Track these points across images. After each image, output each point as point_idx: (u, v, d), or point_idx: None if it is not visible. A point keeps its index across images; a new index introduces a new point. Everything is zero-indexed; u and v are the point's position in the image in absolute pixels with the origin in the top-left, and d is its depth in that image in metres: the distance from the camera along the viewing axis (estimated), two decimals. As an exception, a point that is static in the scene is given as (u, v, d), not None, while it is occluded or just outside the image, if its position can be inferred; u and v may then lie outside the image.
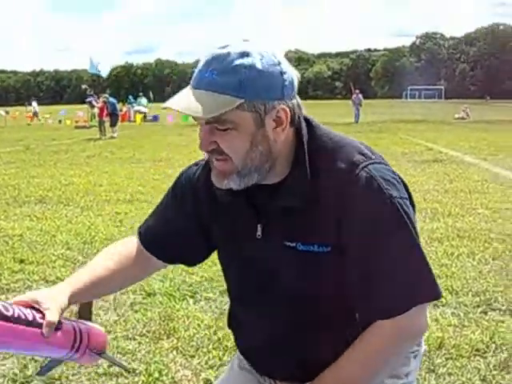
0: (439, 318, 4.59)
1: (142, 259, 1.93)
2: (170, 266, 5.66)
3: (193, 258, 2.02)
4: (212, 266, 5.49)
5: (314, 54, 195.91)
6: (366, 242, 1.57)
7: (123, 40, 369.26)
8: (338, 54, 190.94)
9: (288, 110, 1.56)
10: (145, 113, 40.68)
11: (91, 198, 10.38)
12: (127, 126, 33.22)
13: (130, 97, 44.79)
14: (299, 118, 1.63)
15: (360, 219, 1.57)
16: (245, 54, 1.49)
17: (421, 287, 1.61)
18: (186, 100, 1.51)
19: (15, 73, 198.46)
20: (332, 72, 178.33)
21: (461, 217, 8.27)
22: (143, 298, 5.16)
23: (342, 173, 1.59)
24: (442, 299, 4.93)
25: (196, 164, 1.94)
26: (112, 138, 25.64)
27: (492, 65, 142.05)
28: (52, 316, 1.50)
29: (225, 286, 5.06)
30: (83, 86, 39.60)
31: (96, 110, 30.75)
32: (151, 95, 45.60)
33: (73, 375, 3.82)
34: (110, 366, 3.83)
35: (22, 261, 6.40)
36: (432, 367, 3.84)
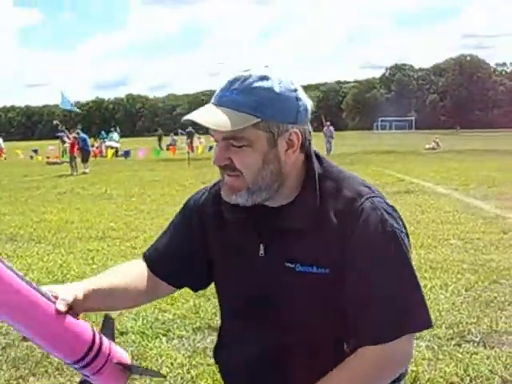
0: (413, 351, 4.58)
1: (151, 280, 1.94)
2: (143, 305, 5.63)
3: (196, 282, 2.04)
4: (185, 302, 5.46)
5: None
6: (364, 268, 1.63)
7: (94, 75, 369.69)
8: (308, 87, 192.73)
9: (300, 134, 1.67)
10: (116, 148, 40.62)
11: (63, 235, 10.28)
12: (99, 162, 33.12)
13: (103, 132, 44.76)
14: (309, 144, 1.73)
15: (361, 246, 1.64)
16: (265, 78, 1.62)
17: (413, 316, 1.65)
18: (207, 115, 1.62)
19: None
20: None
21: (433, 248, 8.31)
22: (116, 337, 5.09)
23: (347, 200, 1.69)
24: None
25: (205, 188, 2.04)
26: (84, 173, 25.50)
27: (461, 95, 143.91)
28: (65, 295, 1.51)
29: (198, 324, 5.01)
30: (54, 122, 39.42)
31: (67, 146, 30.61)
32: (118, 130, 45.51)
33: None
34: None
35: (-8, 301, 6.28)
36: (407, 402, 3.83)
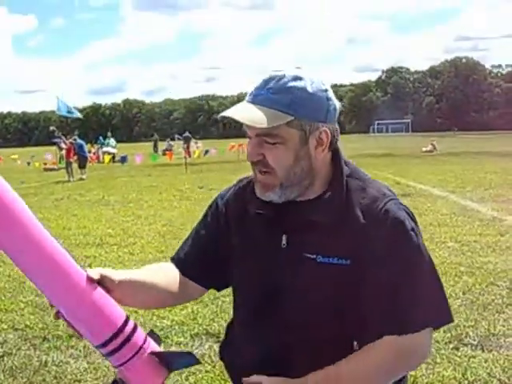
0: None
1: (180, 282, 1.96)
2: (141, 311, 5.63)
3: (223, 282, 2.06)
4: (182, 309, 5.46)
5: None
6: (390, 262, 1.68)
7: (91, 80, 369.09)
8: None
9: (329, 132, 1.75)
10: (113, 153, 40.57)
11: (60, 241, 10.02)
12: (96, 167, 33.08)
13: (101, 137, 44.67)
14: (337, 142, 1.80)
15: (385, 241, 1.69)
16: (298, 78, 1.70)
17: (436, 311, 1.72)
18: (244, 111, 1.69)
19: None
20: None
21: (431, 251, 8.17)
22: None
23: (373, 198, 1.75)
24: (414, 336, 4.92)
25: (230, 185, 2.09)
26: (81, 179, 25.47)
27: (457, 97, 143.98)
28: (99, 269, 1.62)
29: (196, 330, 4.99)
30: (51, 128, 39.32)
31: (64, 152, 30.53)
32: (109, 134, 45.37)
33: None
34: None
35: (-11, 309, 6.28)
36: (406, 406, 3.83)
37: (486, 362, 4.52)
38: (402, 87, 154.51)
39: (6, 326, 5.74)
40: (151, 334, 1.65)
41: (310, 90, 1.69)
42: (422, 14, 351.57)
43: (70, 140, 28.65)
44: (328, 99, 1.74)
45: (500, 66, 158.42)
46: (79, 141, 28.16)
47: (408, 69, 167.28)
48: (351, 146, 42.46)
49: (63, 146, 30.19)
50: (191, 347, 4.93)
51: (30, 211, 1.53)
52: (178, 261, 2.02)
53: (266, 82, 1.72)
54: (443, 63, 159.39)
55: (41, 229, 1.52)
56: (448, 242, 8.99)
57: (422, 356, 1.76)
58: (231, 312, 2.08)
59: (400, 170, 21.45)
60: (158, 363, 1.56)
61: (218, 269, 1.98)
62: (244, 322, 1.94)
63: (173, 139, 54.20)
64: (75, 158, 27.28)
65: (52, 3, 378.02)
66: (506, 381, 4.21)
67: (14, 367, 4.74)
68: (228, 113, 1.71)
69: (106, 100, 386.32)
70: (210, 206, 2.07)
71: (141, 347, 1.53)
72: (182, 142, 45.38)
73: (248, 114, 1.67)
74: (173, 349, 4.93)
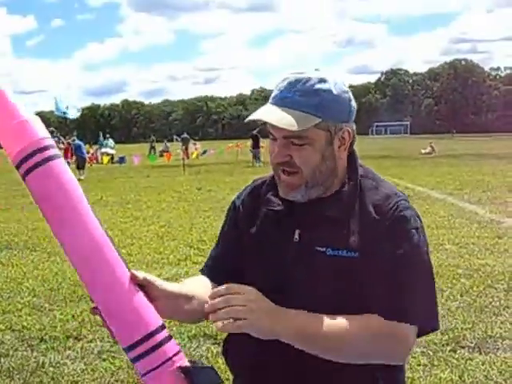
0: (409, 357, 4.59)
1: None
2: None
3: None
4: (180, 310, 5.44)
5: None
6: (392, 255, 1.70)
7: (90, 81, 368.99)
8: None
9: (351, 132, 1.79)
10: (112, 154, 40.56)
11: (58, 243, 10.22)
12: (95, 168, 33.04)
13: (101, 137, 44.58)
14: (354, 142, 1.83)
15: (390, 236, 1.71)
16: (323, 80, 1.72)
17: (425, 312, 1.73)
18: (273, 114, 1.70)
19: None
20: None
21: (428, 253, 8.30)
22: (111, 346, 5.09)
23: (385, 196, 1.79)
24: (412, 338, 4.93)
25: (249, 185, 2.09)
26: (79, 180, 25.35)
27: (456, 99, 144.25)
28: (142, 273, 1.57)
29: (193, 332, 4.99)
30: (50, 129, 39.11)
31: (62, 153, 30.52)
32: (107, 135, 45.30)
33: None
34: None
35: (-13, 310, 6.28)
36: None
37: (483, 364, 4.53)
38: (401, 89, 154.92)
39: (3, 327, 5.74)
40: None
41: (334, 91, 1.72)
42: (420, 16, 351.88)
43: (69, 140, 28.67)
44: (349, 100, 1.78)
45: (499, 68, 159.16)
46: (78, 141, 28.14)
47: (407, 71, 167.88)
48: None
49: (61, 146, 30.17)
50: (189, 349, 4.93)
51: (86, 200, 1.56)
52: (206, 270, 2.02)
53: (292, 84, 1.72)
54: (442, 65, 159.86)
55: (93, 217, 1.55)
56: (446, 244, 9.00)
57: (400, 351, 1.73)
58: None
59: (398, 172, 21.44)
60: (183, 379, 1.50)
61: (234, 270, 1.96)
62: None
63: (171, 140, 54.14)
64: (73, 158, 27.26)
65: (51, 4, 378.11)
66: (503, 383, 4.22)
67: (10, 368, 4.73)
68: (257, 115, 1.72)
69: (104, 101, 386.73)
70: (229, 209, 2.08)
71: (170, 358, 1.48)
72: (180, 144, 45.33)
73: (278, 116, 1.68)
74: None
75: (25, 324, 5.77)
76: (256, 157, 31.80)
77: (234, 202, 2.06)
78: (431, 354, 4.73)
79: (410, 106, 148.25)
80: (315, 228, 1.79)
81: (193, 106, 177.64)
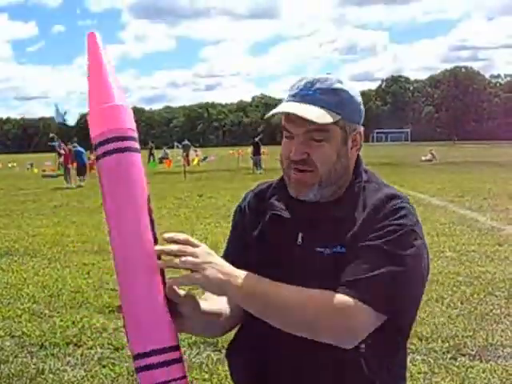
0: (409, 365, 4.57)
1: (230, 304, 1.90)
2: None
3: None
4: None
5: (280, 99, 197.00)
6: (375, 245, 1.67)
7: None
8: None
9: (362, 134, 1.83)
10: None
11: (59, 249, 10.26)
12: (95, 175, 32.88)
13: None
14: (361, 145, 1.86)
15: (381, 229, 1.69)
16: (340, 81, 1.77)
17: (385, 300, 1.64)
18: (299, 108, 1.71)
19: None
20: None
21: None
22: (111, 353, 5.09)
23: (387, 197, 1.78)
24: (412, 346, 4.93)
25: (254, 188, 2.08)
26: (79, 186, 25.47)
27: (456, 107, 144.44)
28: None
29: (193, 338, 4.97)
30: (51, 135, 39.27)
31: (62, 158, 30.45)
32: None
33: None
34: None
35: (-13, 316, 6.27)
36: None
37: (483, 372, 4.52)
38: (402, 96, 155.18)
39: (2, 333, 5.73)
40: None
41: (351, 92, 1.77)
42: (421, 23, 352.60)
43: (69, 147, 28.64)
44: (360, 103, 1.83)
45: (499, 75, 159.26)
46: (79, 148, 28.11)
47: (408, 78, 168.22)
48: (350, 155, 42.42)
49: (62, 151, 30.15)
50: (189, 356, 4.92)
51: (146, 201, 1.59)
52: None
53: (311, 83, 1.75)
54: (443, 73, 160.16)
55: (146, 220, 1.55)
56: (446, 251, 8.99)
57: (346, 327, 1.63)
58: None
59: (399, 179, 21.38)
60: None
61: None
62: (253, 322, 1.90)
63: (172, 147, 54.11)
64: (74, 164, 27.24)
65: (52, 10, 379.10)
66: (504, 391, 4.21)
67: (10, 375, 4.72)
68: (283, 108, 1.74)
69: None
70: (235, 214, 2.07)
71: (175, 379, 1.48)
72: (181, 151, 45.36)
73: (304, 109, 1.70)
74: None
75: (25, 330, 5.76)
76: (257, 164, 31.82)
77: (239, 206, 2.06)
78: (432, 361, 4.72)
79: (410, 113, 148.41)
80: (317, 230, 1.79)
81: (193, 113, 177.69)
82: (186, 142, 45.91)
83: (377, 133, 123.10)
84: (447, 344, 5.06)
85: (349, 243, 1.72)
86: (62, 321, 6.03)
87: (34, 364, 4.93)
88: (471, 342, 5.12)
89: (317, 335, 1.64)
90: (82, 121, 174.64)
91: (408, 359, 4.61)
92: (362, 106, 1.84)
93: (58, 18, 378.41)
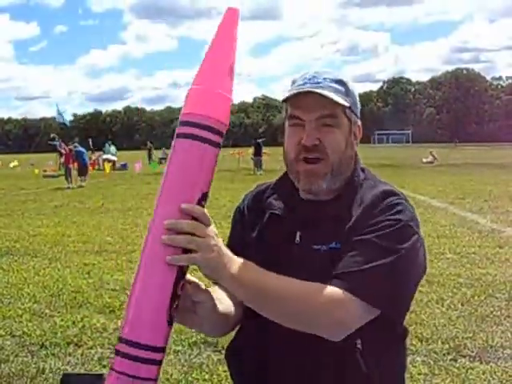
0: (409, 366, 4.57)
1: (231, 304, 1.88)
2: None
3: None
4: (181, 317, 5.44)
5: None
6: (369, 238, 1.67)
7: (92, 87, 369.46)
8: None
9: (361, 128, 1.87)
10: (114, 161, 40.56)
11: (59, 249, 10.26)
12: (96, 175, 33.03)
13: (107, 144, 44.30)
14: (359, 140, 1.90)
15: (376, 223, 1.69)
16: (342, 75, 1.83)
17: (375, 291, 1.63)
18: (317, 90, 1.71)
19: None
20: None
21: (429, 262, 8.25)
22: (111, 353, 5.08)
23: (382, 193, 1.78)
24: (412, 347, 4.93)
25: (253, 189, 2.09)
26: (80, 186, 25.46)
27: (458, 109, 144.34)
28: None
29: (194, 338, 4.97)
30: (52, 135, 39.25)
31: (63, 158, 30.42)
32: (107, 145, 44.82)
33: None
34: None
35: (-13, 315, 6.28)
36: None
37: (483, 373, 4.52)
38: (403, 98, 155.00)
39: (3, 333, 5.73)
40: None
41: (352, 86, 1.83)
42: (423, 25, 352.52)
43: (70, 147, 28.61)
44: (358, 99, 1.87)
45: (500, 78, 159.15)
46: (80, 148, 28.09)
47: (409, 80, 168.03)
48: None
49: (62, 151, 30.11)
50: (189, 356, 4.93)
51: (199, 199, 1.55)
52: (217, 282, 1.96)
53: (319, 73, 1.79)
54: (444, 74, 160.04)
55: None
56: (447, 253, 8.99)
57: (335, 318, 1.61)
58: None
59: (400, 181, 21.32)
60: None
61: None
62: (253, 322, 1.90)
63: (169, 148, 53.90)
64: (75, 164, 27.22)
65: (54, 10, 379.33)
66: (504, 393, 4.21)
67: (11, 374, 4.73)
68: (303, 89, 1.73)
69: (107, 107, 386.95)
70: (234, 215, 2.07)
71: (142, 379, 1.46)
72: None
73: (324, 91, 1.71)
74: (171, 357, 4.93)
75: (25, 330, 5.76)
76: (257, 165, 31.81)
77: (238, 207, 2.06)
78: (432, 362, 4.73)
79: (411, 115, 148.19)
80: (315, 228, 1.79)
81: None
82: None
83: (378, 134, 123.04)
84: (447, 345, 5.07)
85: (344, 239, 1.71)
86: (62, 321, 6.04)
87: (35, 363, 4.94)
88: (471, 343, 5.12)
89: (305, 326, 1.64)
90: (84, 120, 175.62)
91: (408, 360, 4.62)
92: (359, 103, 1.88)
93: (59, 18, 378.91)
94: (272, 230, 1.87)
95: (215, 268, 1.52)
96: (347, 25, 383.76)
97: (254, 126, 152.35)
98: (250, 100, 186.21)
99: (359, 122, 1.86)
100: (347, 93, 1.78)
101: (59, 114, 37.00)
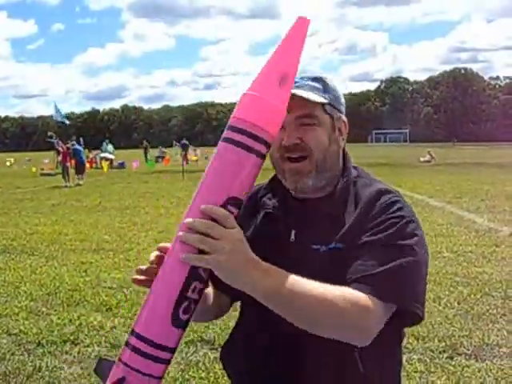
0: (406, 364, 4.59)
1: (215, 295, 1.94)
2: (133, 317, 5.62)
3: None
4: (178, 315, 5.44)
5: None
6: (378, 239, 1.67)
7: (90, 86, 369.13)
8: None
9: (347, 124, 1.88)
10: (111, 159, 40.54)
11: (56, 247, 10.26)
12: (94, 173, 32.97)
13: (104, 143, 44.35)
14: (346, 136, 1.90)
15: (380, 223, 1.70)
16: (321, 72, 1.86)
17: (397, 292, 1.63)
18: (292, 91, 1.67)
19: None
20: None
21: (426, 261, 8.30)
22: (108, 351, 5.09)
23: (379, 191, 1.78)
24: (409, 345, 4.94)
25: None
26: (78, 185, 25.43)
27: (455, 108, 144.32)
28: None
29: (190, 337, 4.99)
30: (49, 133, 39.21)
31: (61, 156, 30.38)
32: (104, 144, 44.72)
33: None
34: None
35: (-16, 313, 6.28)
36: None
37: (479, 371, 4.53)
38: (401, 97, 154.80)
39: (0, 331, 5.73)
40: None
41: (331, 82, 1.85)
42: (421, 24, 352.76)
43: (68, 145, 28.58)
44: (341, 95, 1.88)
45: (498, 77, 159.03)
46: (77, 146, 28.06)
47: (407, 79, 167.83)
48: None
49: (60, 149, 30.06)
50: (186, 354, 4.93)
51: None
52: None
53: (301, 76, 1.80)
54: (442, 74, 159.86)
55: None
56: (444, 252, 9.01)
57: (361, 322, 1.58)
58: (226, 320, 2.07)
59: (397, 180, 21.35)
60: None
61: None
62: (250, 322, 1.91)
63: (170, 146, 54.02)
64: (72, 163, 27.19)
65: (52, 8, 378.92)
66: (500, 391, 4.22)
67: (7, 372, 4.73)
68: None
69: (104, 106, 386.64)
70: None
71: (148, 375, 1.50)
72: (180, 149, 45.34)
73: (297, 91, 1.72)
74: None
75: (22, 328, 5.76)
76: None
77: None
78: (428, 360, 4.74)
79: (409, 114, 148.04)
80: (310, 226, 1.80)
81: (192, 112, 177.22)
82: (185, 141, 45.88)
83: (375, 133, 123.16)
84: (443, 343, 5.08)
85: (346, 239, 1.72)
86: (59, 319, 6.04)
87: (31, 362, 4.94)
88: (467, 341, 5.13)
89: (332, 333, 1.60)
90: (81, 119, 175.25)
91: (404, 358, 4.64)
92: (343, 99, 1.89)
93: (57, 16, 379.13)
94: (267, 229, 1.88)
95: (229, 273, 1.48)
96: (345, 24, 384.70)
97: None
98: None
99: (343, 117, 1.86)
100: (325, 89, 1.80)
101: (57, 112, 36.97)
